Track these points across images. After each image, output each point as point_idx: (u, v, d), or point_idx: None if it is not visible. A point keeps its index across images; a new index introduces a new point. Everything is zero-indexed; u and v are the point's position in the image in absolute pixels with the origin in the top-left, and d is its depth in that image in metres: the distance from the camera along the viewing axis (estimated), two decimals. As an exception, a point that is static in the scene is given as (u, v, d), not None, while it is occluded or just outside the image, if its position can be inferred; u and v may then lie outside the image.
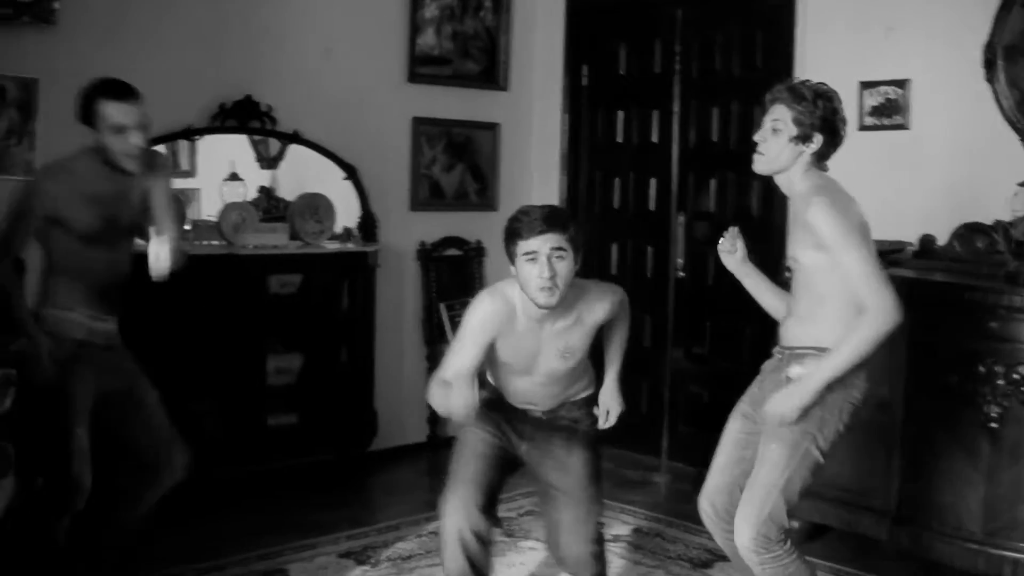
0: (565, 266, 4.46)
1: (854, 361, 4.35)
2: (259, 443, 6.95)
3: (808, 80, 4.63)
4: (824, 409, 4.44)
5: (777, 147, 4.51)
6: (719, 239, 4.96)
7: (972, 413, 5.53)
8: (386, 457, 7.70)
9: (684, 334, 7.91)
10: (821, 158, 4.55)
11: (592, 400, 4.99)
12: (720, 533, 4.75)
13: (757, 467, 4.52)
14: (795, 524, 6.13)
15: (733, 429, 4.77)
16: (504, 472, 4.84)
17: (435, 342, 7.94)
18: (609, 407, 4.97)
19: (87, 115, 4.74)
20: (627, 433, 7.92)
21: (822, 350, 4.41)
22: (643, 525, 6.62)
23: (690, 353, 7.89)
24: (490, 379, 4.96)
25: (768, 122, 4.55)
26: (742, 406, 4.79)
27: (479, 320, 4.65)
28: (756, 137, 4.60)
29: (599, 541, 4.81)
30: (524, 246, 4.44)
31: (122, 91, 4.74)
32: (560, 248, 4.44)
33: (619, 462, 7.77)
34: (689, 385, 7.79)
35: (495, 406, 4.88)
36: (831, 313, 4.41)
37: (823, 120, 4.47)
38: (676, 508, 6.82)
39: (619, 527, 6.53)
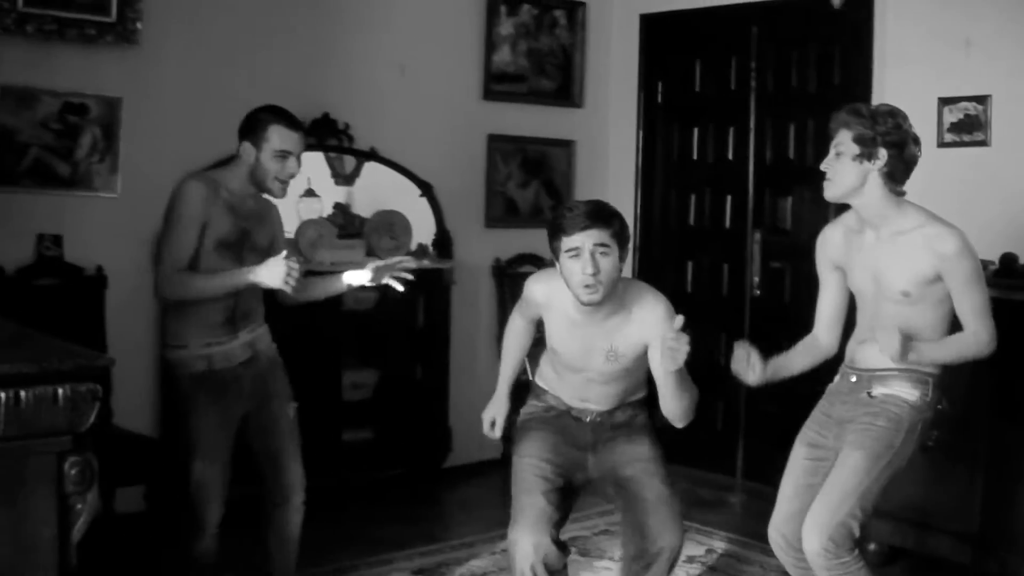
0: (609, 262, 4.39)
1: (948, 360, 4.51)
2: (334, 458, 6.98)
3: (870, 103, 4.64)
4: (909, 429, 4.47)
5: (842, 170, 4.49)
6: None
7: (1057, 435, 5.49)
8: (460, 473, 7.71)
9: (760, 352, 7.86)
10: (892, 178, 4.48)
11: (645, 402, 4.91)
12: (792, 563, 4.69)
13: (835, 472, 4.50)
14: (873, 546, 6.11)
15: (799, 456, 4.75)
16: (568, 498, 4.74)
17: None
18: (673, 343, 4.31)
19: (251, 133, 4.83)
20: (701, 452, 7.96)
21: (908, 371, 4.42)
22: (718, 546, 6.58)
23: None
24: (541, 383, 4.94)
25: (831, 148, 4.55)
26: (807, 433, 4.77)
27: (526, 293, 4.82)
28: (822, 166, 4.59)
29: (681, 517, 4.69)
30: (567, 242, 4.39)
31: (294, 120, 4.92)
32: (604, 244, 4.38)
33: (693, 481, 7.75)
34: (764, 403, 7.75)
35: (549, 423, 4.81)
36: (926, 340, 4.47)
37: (885, 135, 4.44)
38: (751, 528, 6.77)
39: (694, 548, 6.49)
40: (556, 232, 4.45)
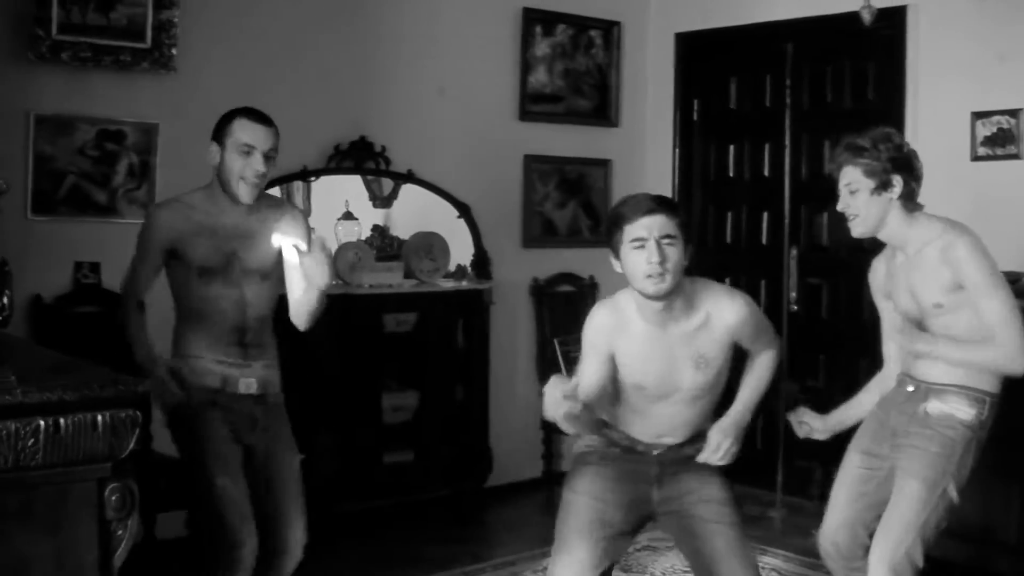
0: (676, 252, 4.15)
1: (968, 364, 4.46)
2: (376, 480, 7.00)
3: (863, 132, 4.60)
4: (965, 450, 4.45)
5: (863, 206, 4.50)
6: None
7: (1092, 446, 5.47)
8: (502, 493, 7.73)
9: (798, 367, 7.87)
10: (910, 198, 4.51)
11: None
12: (843, 571, 4.70)
13: (893, 504, 4.48)
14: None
15: (852, 465, 4.74)
16: (626, 537, 4.50)
17: (549, 378, 7.95)
18: (720, 441, 4.37)
19: (217, 132, 4.67)
20: (742, 467, 7.94)
21: (966, 388, 4.41)
22: (761, 560, 6.58)
23: (805, 386, 7.85)
24: (608, 418, 4.57)
25: (842, 188, 4.56)
26: (861, 441, 4.76)
27: (590, 330, 4.43)
28: (839, 207, 4.60)
29: (756, 567, 4.43)
30: (630, 231, 4.17)
31: (261, 114, 4.70)
32: (670, 235, 4.14)
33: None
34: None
35: (610, 459, 4.51)
36: None
37: (892, 161, 4.46)
38: (793, 543, 6.77)
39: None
40: (617, 221, 4.25)
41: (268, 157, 4.64)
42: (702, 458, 4.38)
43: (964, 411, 4.45)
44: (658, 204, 4.21)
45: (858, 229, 4.59)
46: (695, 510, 4.42)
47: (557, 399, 4.13)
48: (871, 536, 4.59)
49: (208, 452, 4.59)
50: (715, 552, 4.35)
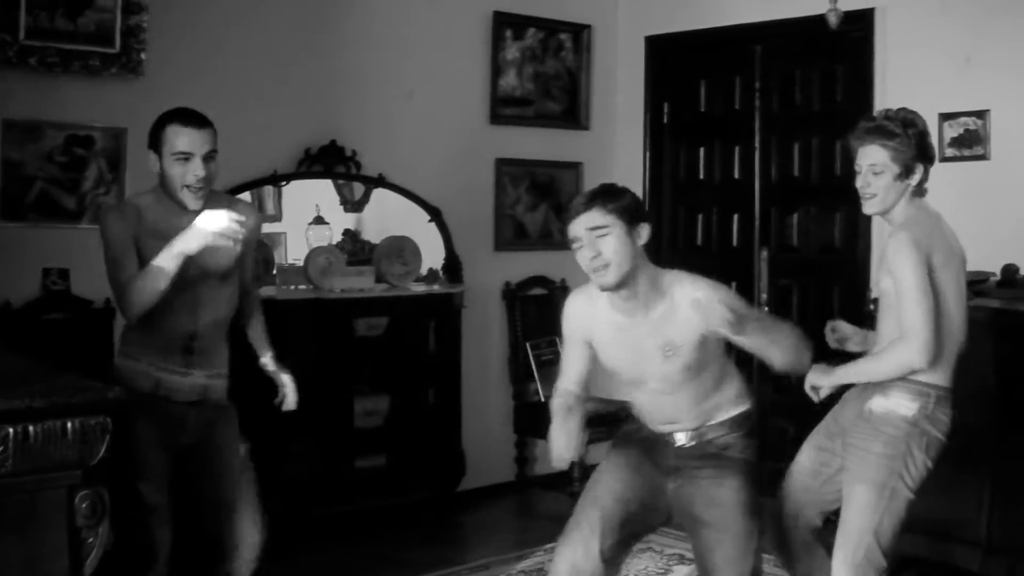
0: (609, 242, 4.15)
1: (871, 377, 4.51)
2: (348, 484, 7.00)
3: (888, 110, 4.63)
4: (909, 447, 4.43)
5: (884, 187, 4.52)
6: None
7: (1061, 443, 5.51)
8: (474, 497, 7.73)
9: (770, 369, 7.88)
10: (920, 185, 4.56)
11: (747, 419, 4.54)
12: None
13: (844, 509, 4.49)
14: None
15: (805, 458, 4.79)
16: (638, 522, 4.48)
17: (521, 381, 7.97)
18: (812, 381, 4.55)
19: (153, 141, 4.52)
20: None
21: (908, 381, 4.43)
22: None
23: (778, 386, 7.87)
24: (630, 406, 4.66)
25: (865, 167, 4.55)
26: (816, 437, 4.81)
27: (566, 319, 4.52)
28: (858, 183, 4.59)
29: None
30: (570, 236, 4.24)
31: (192, 116, 4.49)
32: (597, 227, 4.16)
33: (707, 498, 7.77)
34: (775, 419, 7.76)
35: (639, 442, 4.55)
36: None
37: (919, 149, 4.50)
38: (764, 542, 6.78)
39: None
40: (565, 229, 4.31)
41: (208, 159, 4.48)
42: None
43: (906, 406, 4.43)
44: (588, 200, 4.24)
45: (873, 208, 4.60)
46: (703, 514, 4.39)
47: (566, 450, 4.25)
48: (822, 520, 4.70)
49: (136, 459, 4.42)
50: (713, 564, 4.36)
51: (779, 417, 7.74)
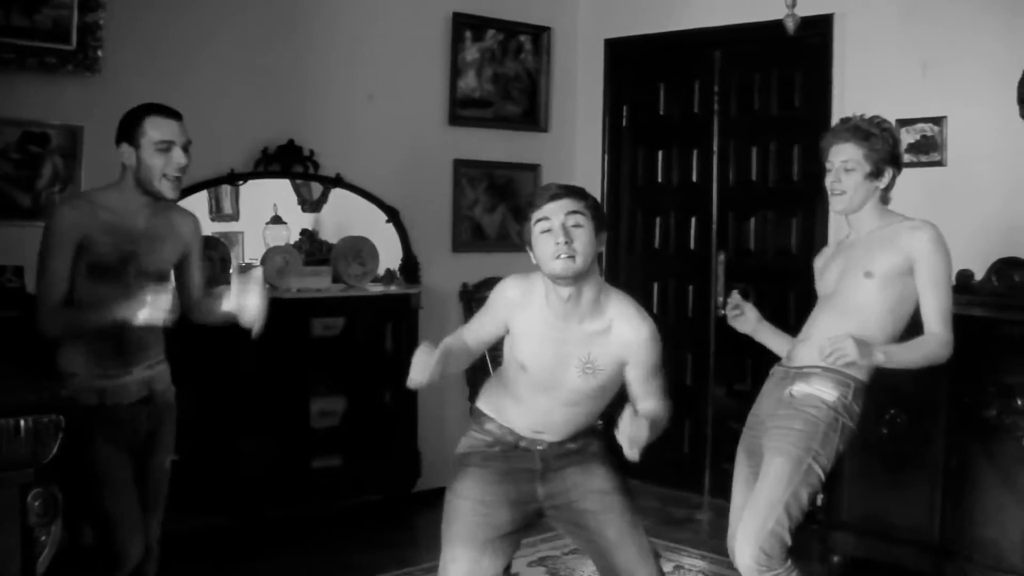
0: (584, 235, 4.12)
1: (911, 365, 4.61)
2: (304, 485, 6.99)
3: (863, 115, 4.77)
4: (828, 428, 4.55)
5: (853, 185, 4.65)
6: (732, 293, 5.08)
7: (1012, 446, 5.56)
8: (430, 498, 7.66)
9: (726, 372, 7.93)
10: (887, 190, 4.71)
11: (597, 427, 4.54)
12: None
13: (760, 481, 4.58)
14: (836, 558, 6.19)
15: (741, 465, 4.86)
16: (516, 535, 4.44)
17: (478, 383, 7.95)
18: (632, 436, 3.98)
19: (127, 133, 4.54)
20: (669, 470, 8.01)
21: (830, 371, 4.54)
22: (687, 563, 6.62)
23: (732, 390, 7.91)
24: (488, 410, 4.55)
25: (838, 163, 4.68)
26: (744, 441, 4.89)
27: (497, 295, 4.39)
28: (828, 181, 4.72)
29: (656, 554, 4.41)
30: (538, 214, 4.15)
31: (169, 108, 4.60)
32: (576, 212, 4.13)
33: (662, 500, 7.80)
34: (731, 422, 7.78)
35: (492, 459, 4.45)
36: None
37: (891, 153, 4.67)
38: (720, 545, 6.77)
39: (663, 565, 6.52)
40: (527, 210, 4.23)
41: (186, 149, 4.57)
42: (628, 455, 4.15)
43: (828, 392, 4.57)
44: (564, 189, 4.21)
45: (840, 206, 4.74)
46: (582, 504, 4.39)
47: (426, 364, 4.07)
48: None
49: (95, 472, 4.45)
50: (608, 543, 4.34)
51: (734, 420, 7.77)
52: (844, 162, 4.65)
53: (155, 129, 4.52)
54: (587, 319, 4.25)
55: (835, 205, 4.75)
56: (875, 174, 4.65)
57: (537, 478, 4.42)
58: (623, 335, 4.25)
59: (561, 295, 4.19)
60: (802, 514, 4.55)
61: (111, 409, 4.52)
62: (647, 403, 4.25)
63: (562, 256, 4.08)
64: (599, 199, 8.17)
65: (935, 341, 4.54)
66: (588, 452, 4.47)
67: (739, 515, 4.72)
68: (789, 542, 4.49)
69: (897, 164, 4.73)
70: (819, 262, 5.09)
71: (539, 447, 4.42)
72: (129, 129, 4.54)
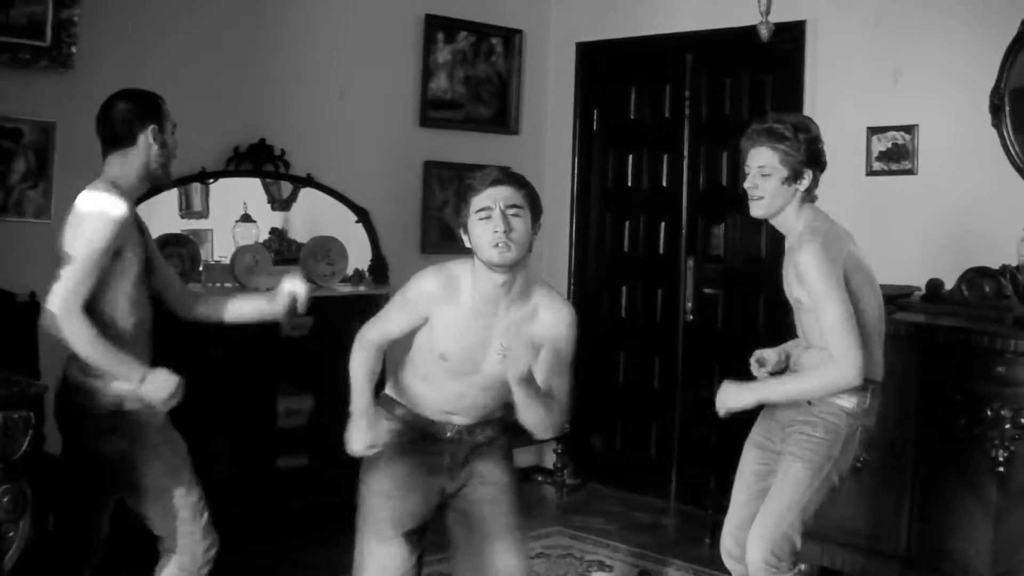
0: (522, 224, 4.13)
1: (801, 397, 4.54)
2: (270, 484, 6.97)
3: (780, 114, 4.69)
4: (848, 436, 4.53)
5: (771, 190, 4.54)
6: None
7: (980, 457, 5.55)
8: (396, 498, 7.70)
9: (693, 377, 7.93)
10: (810, 191, 4.59)
11: (507, 422, 4.52)
12: (743, 571, 4.73)
13: (777, 484, 4.56)
14: (803, 567, 6.18)
15: (749, 460, 4.81)
16: (422, 534, 4.50)
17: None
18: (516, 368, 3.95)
19: (156, 114, 4.40)
20: (636, 475, 8.03)
21: None
22: (652, 568, 6.62)
23: (699, 396, 7.92)
24: (395, 395, 4.57)
25: (754, 168, 4.58)
26: (755, 436, 4.84)
27: (414, 291, 4.36)
28: (746, 185, 4.63)
29: (525, 554, 4.48)
30: (476, 202, 4.13)
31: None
32: (516, 205, 4.13)
33: (628, 504, 7.80)
34: (698, 427, 7.80)
35: (403, 450, 4.45)
36: None
37: (809, 154, 4.52)
38: (685, 551, 6.82)
39: (628, 570, 6.54)
40: (464, 195, 4.21)
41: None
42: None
43: (846, 399, 4.52)
44: (505, 176, 4.21)
45: (758, 211, 4.64)
46: (475, 493, 4.45)
47: (366, 446, 4.37)
48: None
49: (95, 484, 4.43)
50: (485, 533, 4.42)
51: (701, 425, 7.78)
52: (761, 167, 4.55)
53: (168, 111, 4.48)
54: (515, 306, 4.26)
55: (753, 210, 4.66)
56: (793, 177, 4.52)
57: (445, 471, 4.45)
58: (544, 319, 4.28)
59: (495, 281, 4.19)
60: (811, 520, 4.55)
61: (130, 414, 4.38)
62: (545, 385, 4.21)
63: (499, 244, 4.09)
64: (570, 203, 8.28)
65: (828, 372, 4.42)
66: (495, 446, 4.53)
67: (740, 510, 4.76)
68: (799, 546, 4.52)
69: (818, 164, 4.57)
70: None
71: (448, 432, 4.44)
72: (156, 111, 4.42)
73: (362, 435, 4.38)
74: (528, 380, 3.99)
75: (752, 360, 4.88)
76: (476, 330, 4.27)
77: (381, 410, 4.54)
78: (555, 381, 4.27)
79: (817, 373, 4.47)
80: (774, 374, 4.77)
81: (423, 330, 4.40)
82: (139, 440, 4.37)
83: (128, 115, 4.39)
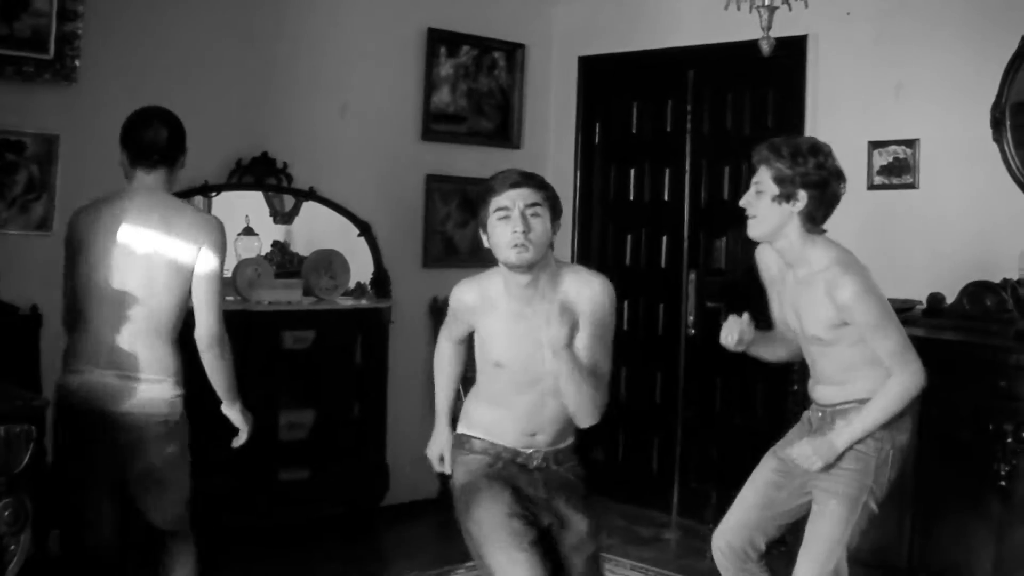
0: (540, 224, 4.19)
1: (880, 423, 4.41)
2: (271, 497, 6.96)
3: (796, 137, 4.62)
4: (880, 463, 4.46)
5: (764, 209, 4.45)
6: (728, 310, 4.93)
7: (982, 471, 5.55)
8: (398, 512, 7.70)
9: (695, 391, 7.94)
10: (812, 219, 4.43)
11: (577, 450, 4.55)
12: (733, 571, 4.69)
13: (816, 523, 4.50)
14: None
15: (767, 468, 4.73)
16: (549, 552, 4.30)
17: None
18: (555, 332, 4.06)
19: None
20: (637, 489, 8.02)
21: (864, 401, 4.43)
22: (654, 582, 6.63)
23: (701, 409, 7.92)
24: (472, 431, 4.49)
25: (752, 185, 4.52)
26: (777, 451, 4.75)
27: (455, 301, 4.51)
28: (743, 202, 4.55)
29: None
30: (495, 203, 4.20)
31: None
32: (535, 204, 4.20)
33: (630, 518, 7.79)
34: (699, 441, 7.80)
35: (496, 476, 4.37)
36: (864, 374, 4.45)
37: (804, 176, 4.37)
38: (686, 565, 6.81)
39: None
40: (484, 196, 4.28)
41: None
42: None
43: None
44: (524, 177, 4.25)
45: (753, 231, 4.56)
46: (560, 535, 4.36)
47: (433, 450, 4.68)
48: (768, 544, 4.65)
49: (80, 474, 4.62)
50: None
51: (704, 442, 7.79)
52: (756, 184, 4.48)
53: None
54: (547, 298, 4.26)
55: (749, 230, 4.57)
56: (784, 197, 4.39)
57: (543, 505, 4.37)
58: (576, 293, 4.30)
59: (520, 282, 4.25)
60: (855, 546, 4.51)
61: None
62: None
63: (518, 245, 4.14)
64: (571, 216, 8.27)
65: (895, 388, 4.40)
66: (575, 483, 4.46)
67: (742, 511, 4.69)
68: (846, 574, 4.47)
69: (818, 188, 4.41)
70: (772, 272, 4.85)
71: (535, 462, 4.40)
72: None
73: (433, 439, 4.68)
74: (568, 350, 4.05)
75: (732, 318, 4.70)
76: (521, 334, 4.29)
77: (457, 449, 4.57)
78: (598, 355, 4.32)
79: (884, 396, 4.40)
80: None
81: (477, 345, 4.49)
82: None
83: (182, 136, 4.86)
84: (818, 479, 4.51)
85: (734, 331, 4.64)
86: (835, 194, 4.47)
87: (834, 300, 4.35)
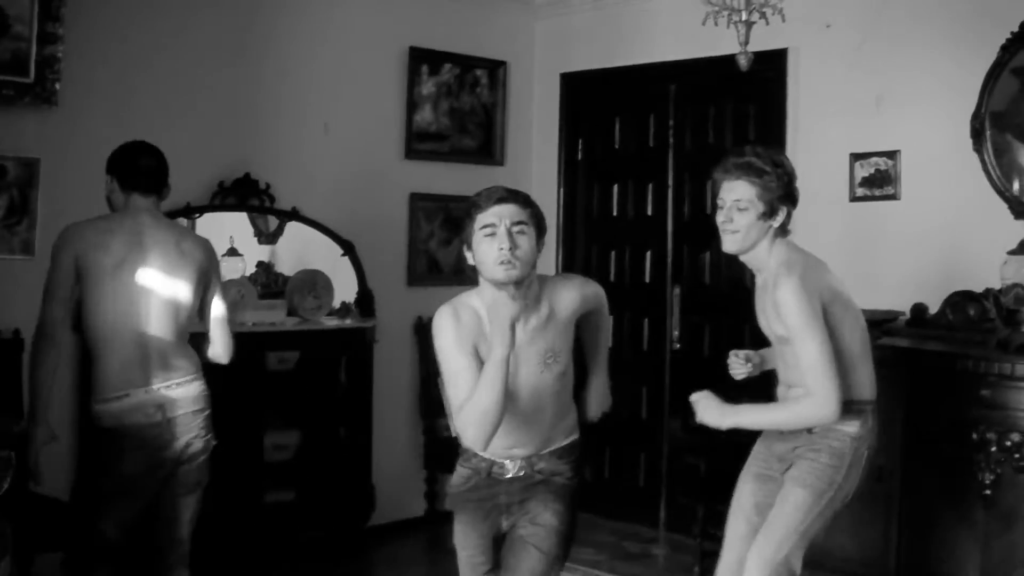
0: (527, 241, 4.18)
1: (773, 427, 4.61)
2: (256, 520, 6.93)
3: (757, 148, 4.63)
4: (853, 461, 4.49)
5: (746, 225, 4.50)
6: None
7: (966, 480, 5.54)
8: (384, 532, 7.69)
9: (681, 405, 7.90)
10: (783, 229, 4.56)
11: (575, 449, 4.50)
12: None
13: (778, 508, 4.52)
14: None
15: (747, 493, 4.74)
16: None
17: (432, 417, 7.93)
18: (596, 404, 4.68)
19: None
20: (625, 504, 8.00)
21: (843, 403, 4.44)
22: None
23: (687, 424, 7.89)
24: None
25: (729, 201, 4.53)
26: (752, 468, 4.78)
27: (451, 332, 4.32)
28: (720, 219, 4.58)
29: None
30: (481, 219, 4.18)
31: None
32: (521, 222, 4.18)
33: (617, 534, 7.78)
34: (686, 456, 7.77)
35: (472, 501, 4.47)
36: None
37: (785, 190, 4.50)
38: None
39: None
40: (470, 211, 4.24)
41: None
42: (590, 417, 4.70)
43: (848, 424, 4.48)
44: (510, 194, 4.25)
45: (733, 246, 4.59)
46: (522, 529, 4.39)
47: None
48: None
49: (96, 499, 4.77)
50: (512, 569, 4.37)
51: (690, 454, 7.76)
52: (737, 201, 4.50)
53: None
54: (533, 314, 4.29)
55: (726, 244, 4.60)
56: (769, 213, 4.48)
57: (504, 511, 4.44)
58: (567, 306, 4.39)
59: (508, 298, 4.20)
60: (808, 544, 4.52)
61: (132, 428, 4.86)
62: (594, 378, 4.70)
63: (504, 262, 4.14)
64: (555, 232, 8.27)
65: (805, 406, 4.42)
66: (553, 484, 4.42)
67: (736, 543, 4.68)
68: (798, 571, 4.48)
69: (792, 200, 4.54)
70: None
71: (509, 474, 4.40)
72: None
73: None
74: (562, 367, 4.32)
75: (732, 356, 4.92)
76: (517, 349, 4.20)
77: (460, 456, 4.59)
78: (602, 336, 4.60)
79: (794, 405, 4.48)
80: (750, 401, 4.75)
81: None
82: None
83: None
84: (791, 471, 4.55)
85: (738, 366, 4.86)
86: (798, 198, 4.61)
87: (774, 298, 4.43)
